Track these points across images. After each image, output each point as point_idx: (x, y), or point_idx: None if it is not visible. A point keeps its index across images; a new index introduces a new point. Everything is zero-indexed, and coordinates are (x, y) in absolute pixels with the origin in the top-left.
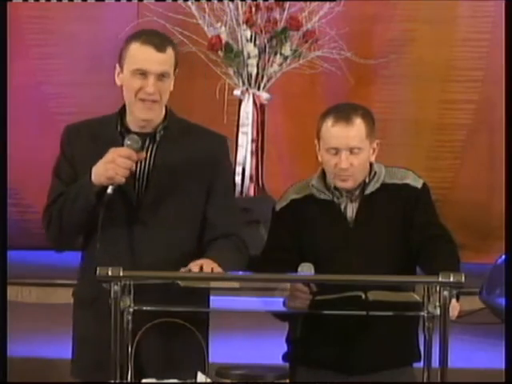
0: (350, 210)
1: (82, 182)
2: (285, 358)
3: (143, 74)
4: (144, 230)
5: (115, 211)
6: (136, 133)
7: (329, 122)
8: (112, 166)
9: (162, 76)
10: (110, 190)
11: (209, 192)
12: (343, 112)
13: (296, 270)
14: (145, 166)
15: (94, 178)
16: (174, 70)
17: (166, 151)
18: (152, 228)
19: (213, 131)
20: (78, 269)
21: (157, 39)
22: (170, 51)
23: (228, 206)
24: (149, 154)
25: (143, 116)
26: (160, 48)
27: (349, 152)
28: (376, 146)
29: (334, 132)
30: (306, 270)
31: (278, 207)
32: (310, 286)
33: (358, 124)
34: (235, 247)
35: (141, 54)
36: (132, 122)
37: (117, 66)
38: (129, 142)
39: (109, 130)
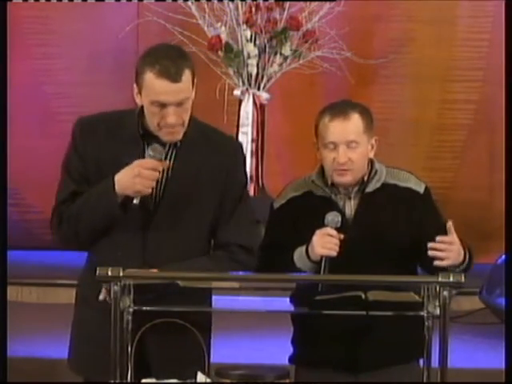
0: (349, 207)
1: (101, 189)
2: (291, 359)
3: (162, 104)
4: (158, 235)
5: (130, 214)
6: (157, 136)
7: (326, 118)
8: (139, 180)
9: (181, 103)
10: (136, 201)
11: (221, 200)
12: (340, 107)
13: (291, 269)
14: (164, 171)
15: (118, 189)
16: (193, 84)
17: (185, 157)
18: (166, 233)
19: (230, 137)
20: (84, 266)
21: (172, 68)
22: (186, 75)
23: (236, 216)
24: (168, 159)
25: (168, 140)
26: (175, 78)
27: (346, 146)
28: (375, 143)
29: (332, 127)
30: (332, 217)
31: (276, 205)
32: (338, 231)
33: (355, 119)
34: (219, 258)
35: (157, 87)
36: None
37: (134, 85)
38: (151, 153)
39: (128, 130)
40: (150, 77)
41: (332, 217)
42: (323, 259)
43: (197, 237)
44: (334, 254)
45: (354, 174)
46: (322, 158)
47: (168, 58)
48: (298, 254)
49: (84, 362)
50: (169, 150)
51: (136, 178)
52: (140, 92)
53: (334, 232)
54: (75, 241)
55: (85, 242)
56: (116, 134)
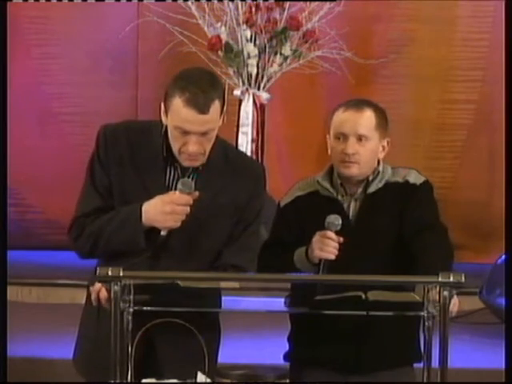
0: (353, 208)
1: (127, 216)
2: (286, 357)
3: (185, 132)
4: (169, 260)
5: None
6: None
7: (340, 110)
8: (171, 217)
9: (205, 133)
10: (163, 233)
11: (234, 226)
12: (356, 102)
13: (292, 269)
14: None
15: (145, 220)
16: (221, 113)
17: (205, 183)
18: (177, 258)
19: (254, 162)
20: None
21: (201, 98)
22: (215, 106)
23: (243, 244)
24: None
25: (187, 165)
26: (203, 110)
27: (356, 139)
28: (386, 145)
29: (344, 118)
30: (333, 220)
31: (282, 203)
32: (338, 234)
33: (368, 113)
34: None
35: (183, 115)
36: None
37: (162, 104)
38: (181, 187)
39: (152, 148)
40: (177, 102)
41: (332, 220)
42: (322, 262)
43: (208, 263)
44: (332, 257)
45: (359, 169)
46: (331, 150)
47: (198, 87)
48: (298, 255)
49: (89, 362)
50: (189, 173)
51: (168, 215)
52: (166, 113)
53: (333, 235)
54: (90, 255)
55: (99, 258)
56: (140, 150)
